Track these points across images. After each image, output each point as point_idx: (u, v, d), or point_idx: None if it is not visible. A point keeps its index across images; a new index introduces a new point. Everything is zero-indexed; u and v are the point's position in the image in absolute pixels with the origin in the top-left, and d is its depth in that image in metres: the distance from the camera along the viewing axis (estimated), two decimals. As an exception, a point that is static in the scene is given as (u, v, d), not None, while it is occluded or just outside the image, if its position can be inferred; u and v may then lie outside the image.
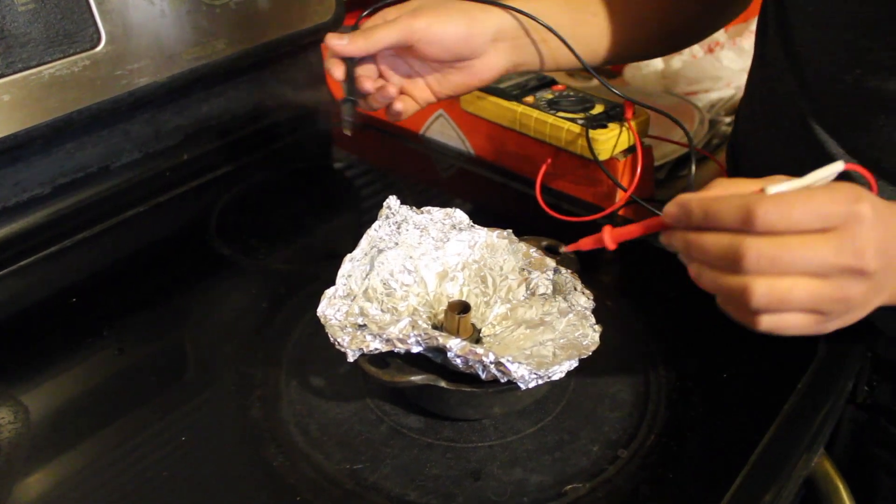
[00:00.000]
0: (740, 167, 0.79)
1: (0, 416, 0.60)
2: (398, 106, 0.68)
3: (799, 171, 0.69)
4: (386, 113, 0.70)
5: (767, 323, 0.44)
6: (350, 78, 0.66)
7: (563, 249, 0.62)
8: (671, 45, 0.83)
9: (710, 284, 0.45)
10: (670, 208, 0.46)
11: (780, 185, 0.44)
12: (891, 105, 0.60)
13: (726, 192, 0.45)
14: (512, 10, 0.68)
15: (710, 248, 0.44)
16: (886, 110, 0.60)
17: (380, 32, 0.64)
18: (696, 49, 1.26)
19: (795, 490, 0.57)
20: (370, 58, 0.67)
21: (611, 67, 1.38)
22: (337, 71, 0.66)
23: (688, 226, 0.45)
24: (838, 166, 0.45)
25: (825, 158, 0.65)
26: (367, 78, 0.66)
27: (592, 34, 0.74)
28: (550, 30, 0.69)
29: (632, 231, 0.51)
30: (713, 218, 0.43)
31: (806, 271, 0.42)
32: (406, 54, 0.67)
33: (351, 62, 0.66)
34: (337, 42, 0.64)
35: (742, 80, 0.89)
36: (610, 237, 0.52)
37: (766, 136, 0.73)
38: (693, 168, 0.74)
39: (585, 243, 0.55)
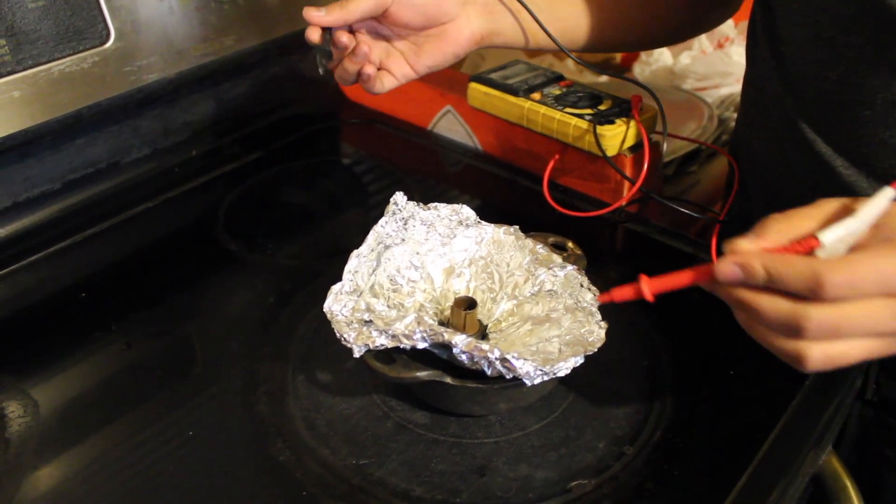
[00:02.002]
0: (740, 167, 0.79)
1: (10, 410, 0.60)
2: (369, 70, 0.68)
3: (790, 171, 0.69)
4: (363, 85, 0.70)
5: (815, 366, 0.43)
6: (327, 39, 0.67)
7: (597, 300, 0.58)
8: (656, 38, 0.84)
9: (762, 341, 0.44)
10: (728, 268, 0.43)
11: (834, 229, 0.43)
12: (874, 100, 0.60)
13: (783, 239, 0.44)
14: None
15: (769, 313, 0.42)
16: (871, 106, 0.60)
17: (355, 1, 0.65)
18: (706, 45, 1.26)
19: (803, 487, 0.57)
20: (350, 32, 0.68)
21: (619, 62, 1.38)
22: (314, 34, 0.66)
23: (745, 285, 0.43)
24: (889, 193, 0.43)
25: (814, 158, 0.65)
26: (344, 33, 0.66)
27: (570, 15, 0.74)
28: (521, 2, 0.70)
29: (675, 282, 0.47)
30: (778, 281, 0.42)
31: (864, 333, 0.42)
32: (382, 24, 0.68)
33: (329, 32, 0.66)
34: (315, 14, 0.65)
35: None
36: (649, 289, 0.47)
37: (758, 136, 0.74)
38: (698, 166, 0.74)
39: (619, 294, 0.49)
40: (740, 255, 0.43)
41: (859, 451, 0.71)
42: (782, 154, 0.70)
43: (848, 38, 0.60)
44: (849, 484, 0.60)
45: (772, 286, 0.42)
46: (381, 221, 0.63)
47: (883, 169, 0.62)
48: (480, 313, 0.62)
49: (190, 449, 0.57)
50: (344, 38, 0.66)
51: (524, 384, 0.52)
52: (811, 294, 0.41)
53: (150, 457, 0.57)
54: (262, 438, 0.57)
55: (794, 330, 0.42)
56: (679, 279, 0.46)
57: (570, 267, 0.62)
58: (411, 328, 0.53)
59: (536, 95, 0.82)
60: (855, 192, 0.63)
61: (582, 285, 0.61)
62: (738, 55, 1.17)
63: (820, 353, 0.42)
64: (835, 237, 0.43)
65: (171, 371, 0.65)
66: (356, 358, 0.54)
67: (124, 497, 0.54)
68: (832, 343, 0.42)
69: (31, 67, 0.71)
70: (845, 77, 0.61)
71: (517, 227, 0.66)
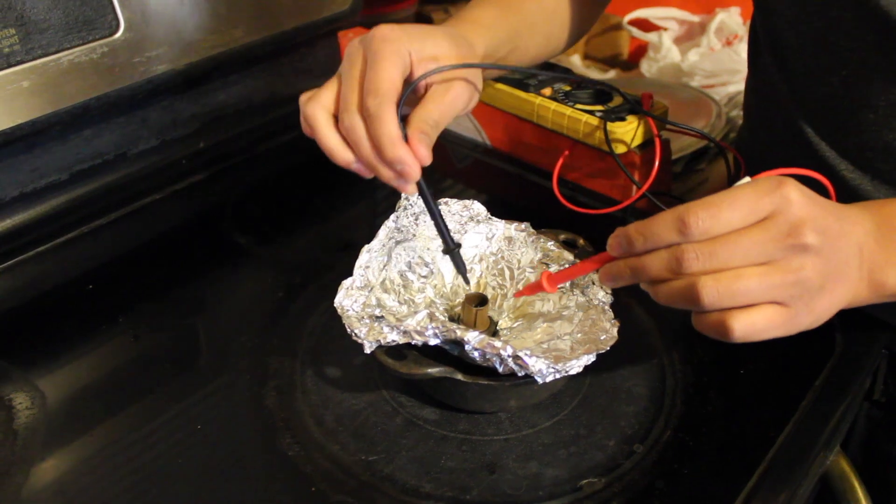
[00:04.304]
0: (747, 168, 0.79)
1: (17, 402, 0.60)
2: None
3: (794, 175, 0.69)
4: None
5: (739, 328, 0.44)
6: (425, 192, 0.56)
7: (513, 296, 0.63)
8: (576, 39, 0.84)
9: (665, 296, 0.46)
10: (612, 241, 0.47)
11: None
12: (878, 104, 0.60)
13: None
14: (503, 68, 0.68)
15: (654, 265, 0.45)
16: (874, 109, 0.60)
17: (446, 117, 0.56)
18: (714, 42, 1.26)
19: (811, 487, 0.57)
20: None
21: (627, 60, 1.37)
22: (410, 187, 0.54)
23: (631, 254, 0.46)
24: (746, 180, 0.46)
25: (819, 161, 0.65)
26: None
27: (530, 46, 0.74)
28: (570, 75, 0.72)
29: (571, 273, 0.53)
30: (652, 237, 0.45)
31: (747, 260, 0.43)
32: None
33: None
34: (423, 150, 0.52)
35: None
36: (549, 282, 0.54)
37: (763, 139, 0.74)
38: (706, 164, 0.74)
39: (528, 290, 0.57)
40: (620, 230, 0.47)
41: (867, 450, 0.71)
42: (786, 158, 0.70)
43: (849, 42, 0.59)
44: (856, 484, 0.60)
45: (650, 245, 0.45)
46: (392, 217, 0.63)
47: (887, 172, 0.62)
48: (491, 310, 0.62)
49: (197, 442, 0.57)
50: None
51: (536, 382, 0.52)
52: (681, 236, 0.43)
53: (156, 450, 0.57)
54: (270, 433, 0.57)
55: (676, 264, 0.44)
56: (576, 270, 0.53)
57: (581, 264, 0.62)
58: (423, 324, 0.53)
59: (547, 91, 0.82)
60: (859, 195, 0.63)
61: (594, 283, 0.60)
62: (746, 52, 1.17)
63: (711, 281, 0.43)
64: None
65: (178, 364, 0.65)
66: (365, 353, 0.54)
67: (130, 490, 0.54)
68: (720, 273, 0.43)
69: (39, 57, 0.71)
70: (848, 81, 0.61)
71: (528, 223, 0.66)
